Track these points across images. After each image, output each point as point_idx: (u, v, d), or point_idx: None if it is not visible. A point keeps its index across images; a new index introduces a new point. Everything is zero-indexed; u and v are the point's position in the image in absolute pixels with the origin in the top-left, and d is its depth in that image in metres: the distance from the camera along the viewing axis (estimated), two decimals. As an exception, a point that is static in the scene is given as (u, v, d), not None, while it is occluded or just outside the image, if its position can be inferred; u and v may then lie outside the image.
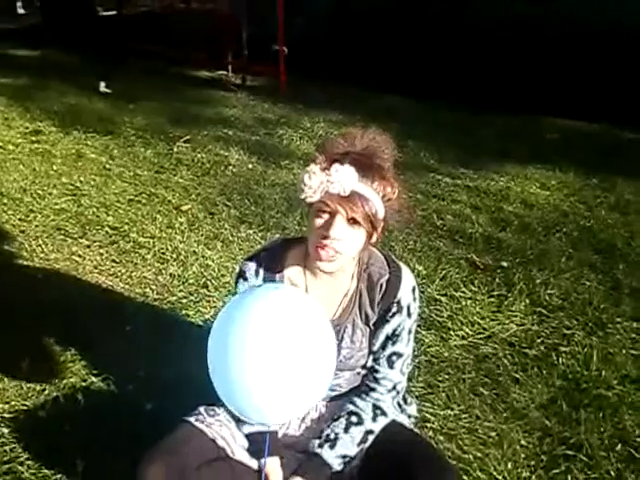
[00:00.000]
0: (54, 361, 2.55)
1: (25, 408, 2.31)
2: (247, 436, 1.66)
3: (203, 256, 3.37)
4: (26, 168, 4.59)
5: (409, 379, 1.98)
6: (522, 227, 3.75)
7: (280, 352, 1.37)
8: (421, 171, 4.57)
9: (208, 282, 3.12)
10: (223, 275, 3.18)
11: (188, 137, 5.21)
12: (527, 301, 2.98)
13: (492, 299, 3.00)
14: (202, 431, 1.62)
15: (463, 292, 3.04)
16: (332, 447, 1.62)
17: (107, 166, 4.65)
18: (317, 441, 1.64)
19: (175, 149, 4.98)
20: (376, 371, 1.69)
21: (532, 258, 3.38)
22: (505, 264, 3.31)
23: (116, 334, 2.71)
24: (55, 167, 4.61)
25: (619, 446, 2.16)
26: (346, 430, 1.64)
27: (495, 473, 2.06)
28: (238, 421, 1.66)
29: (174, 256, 3.38)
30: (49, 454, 2.10)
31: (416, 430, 1.82)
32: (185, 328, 2.77)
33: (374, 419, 1.67)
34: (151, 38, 7.99)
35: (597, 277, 3.20)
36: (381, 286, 1.63)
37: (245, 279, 1.67)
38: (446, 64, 6.42)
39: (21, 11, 11.91)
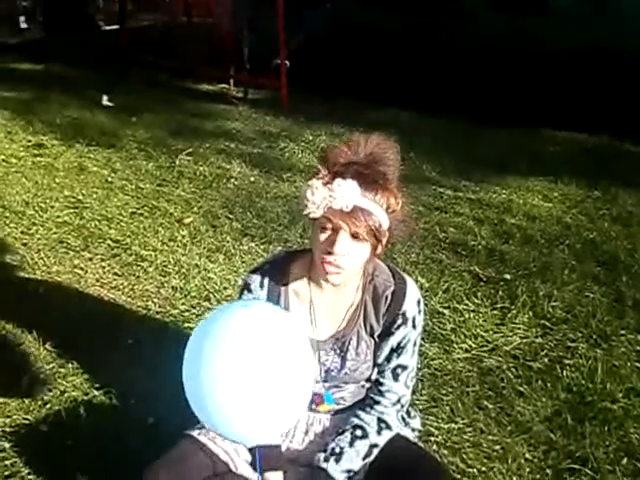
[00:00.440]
0: (56, 375, 2.53)
1: (26, 422, 2.30)
2: (250, 450, 1.65)
3: (205, 269, 3.37)
4: (28, 181, 4.59)
5: (413, 392, 1.97)
6: (525, 239, 3.74)
7: (252, 372, 1.33)
8: (423, 183, 4.57)
9: (210, 295, 3.11)
10: (225, 288, 3.18)
11: (190, 150, 5.22)
12: (530, 314, 2.97)
13: (495, 312, 2.99)
14: (205, 445, 1.61)
15: (466, 305, 3.03)
16: (337, 461, 1.61)
17: (109, 179, 4.65)
18: (322, 455, 1.63)
19: (177, 162, 4.99)
20: (381, 384, 1.68)
21: (535, 270, 3.38)
22: (508, 276, 3.30)
23: (118, 347, 2.70)
24: (57, 180, 4.61)
25: (625, 460, 2.14)
26: (351, 444, 1.63)
27: (500, 487, 2.05)
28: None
29: (176, 269, 3.38)
30: (50, 469, 2.09)
31: (420, 444, 1.81)
32: (187, 341, 2.75)
33: (379, 432, 1.65)
34: (153, 52, 8.02)
35: (600, 289, 3.19)
36: (386, 298, 1.62)
37: (250, 291, 1.66)
38: (447, 77, 6.43)
39: (24, 25, 11.97)
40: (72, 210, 4.11)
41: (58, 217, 4.00)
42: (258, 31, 6.92)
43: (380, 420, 1.67)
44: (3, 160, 5.00)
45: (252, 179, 4.69)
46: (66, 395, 2.42)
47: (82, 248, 3.62)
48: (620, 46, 5.68)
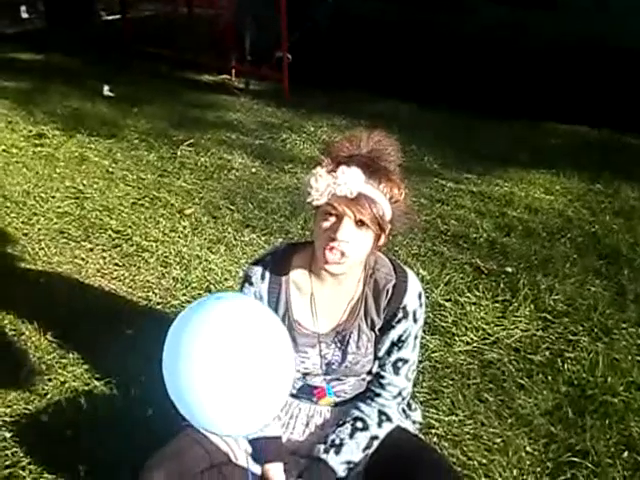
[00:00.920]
0: (56, 365, 2.54)
1: (27, 412, 2.30)
2: (250, 442, 1.65)
3: (206, 260, 3.36)
4: (29, 171, 4.58)
5: (414, 385, 1.96)
6: (526, 232, 3.74)
7: (228, 363, 1.31)
8: (425, 176, 4.56)
9: (211, 286, 3.11)
10: (226, 279, 3.17)
11: (191, 141, 5.20)
12: (532, 307, 2.97)
13: (497, 304, 2.98)
14: (205, 437, 1.61)
15: (467, 297, 3.02)
16: (337, 453, 1.61)
17: (110, 169, 4.64)
18: (322, 446, 1.63)
19: (178, 153, 4.98)
20: (381, 377, 1.68)
21: (536, 263, 3.37)
22: (509, 269, 3.29)
23: (119, 338, 2.70)
24: (58, 170, 4.60)
25: (625, 453, 2.15)
26: (351, 436, 1.63)
27: (500, 480, 2.05)
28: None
29: (177, 260, 3.37)
30: (51, 459, 2.09)
31: (421, 436, 1.81)
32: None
33: (379, 425, 1.65)
34: (155, 42, 8.00)
35: (602, 283, 3.19)
36: (387, 291, 1.62)
37: (251, 283, 1.66)
38: (449, 69, 6.41)
39: (25, 15, 11.93)
40: (73, 200, 4.10)
41: (59, 207, 4.00)
42: (261, 22, 6.89)
43: (381, 412, 1.67)
44: (4, 150, 4.98)
45: (253, 170, 4.68)
46: (66, 385, 2.42)
47: (83, 239, 3.61)
48: (622, 40, 5.66)
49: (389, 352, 1.65)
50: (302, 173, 4.45)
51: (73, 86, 6.81)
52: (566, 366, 2.57)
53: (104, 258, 3.41)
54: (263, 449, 1.63)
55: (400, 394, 1.68)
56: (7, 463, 2.08)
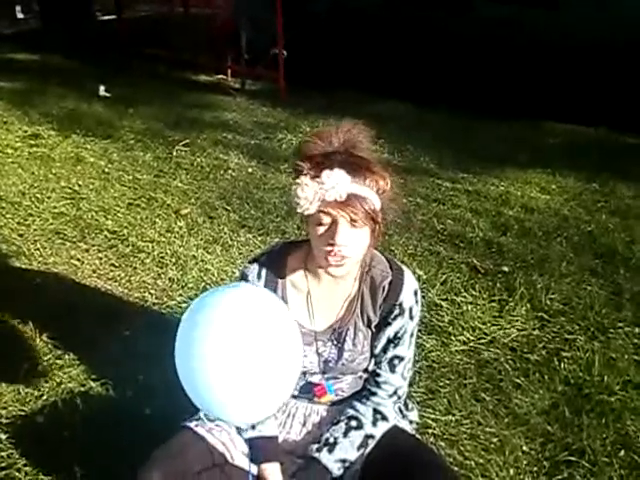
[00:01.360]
0: (52, 366, 2.53)
1: (23, 413, 2.29)
2: (247, 441, 1.65)
3: (202, 260, 3.36)
4: (25, 172, 4.57)
5: (410, 384, 1.96)
6: (522, 232, 3.74)
7: (241, 348, 1.33)
8: (421, 175, 4.56)
9: (207, 286, 3.10)
10: (223, 279, 3.17)
11: (187, 141, 5.20)
12: (528, 306, 2.97)
13: (493, 304, 2.98)
14: (202, 437, 1.61)
15: (464, 297, 3.02)
16: (331, 451, 1.60)
17: (106, 170, 4.63)
18: (316, 445, 1.63)
19: (174, 153, 4.97)
20: (377, 375, 1.68)
21: (533, 263, 3.37)
22: (506, 269, 3.30)
23: (115, 339, 2.69)
24: (54, 171, 4.59)
25: (622, 452, 2.15)
26: (345, 434, 1.63)
27: (497, 479, 2.04)
28: (238, 426, 1.65)
29: (173, 260, 3.37)
30: (47, 460, 2.08)
31: (418, 436, 1.81)
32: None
33: (374, 424, 1.65)
34: (150, 42, 7.99)
35: (598, 282, 3.19)
36: (383, 288, 1.62)
37: (247, 282, 1.66)
38: (446, 69, 6.41)
39: (20, 15, 11.90)
40: (69, 201, 4.09)
41: (55, 208, 3.99)
42: (258, 21, 6.88)
43: (376, 411, 1.66)
44: (-1, 151, 4.98)
45: (249, 170, 4.68)
46: (62, 386, 2.42)
47: (79, 239, 3.60)
48: (620, 39, 5.67)
49: (385, 349, 1.65)
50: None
51: (69, 86, 6.80)
52: (563, 365, 2.57)
53: (100, 259, 3.40)
54: (259, 449, 1.63)
55: (396, 393, 1.68)
56: (3, 465, 2.07)
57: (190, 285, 3.12)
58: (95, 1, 11.17)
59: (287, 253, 1.67)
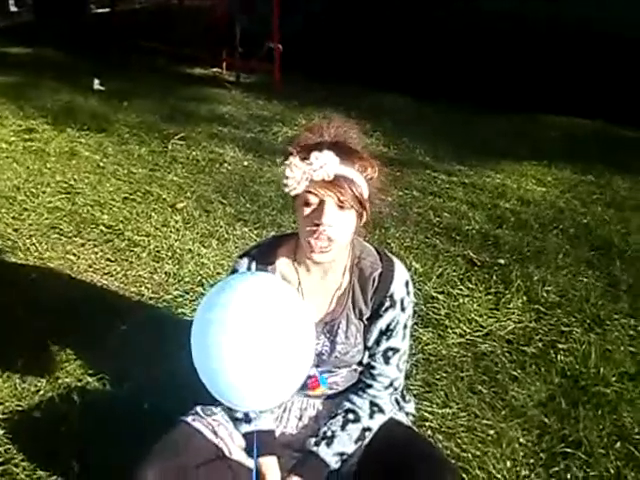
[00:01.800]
0: (49, 361, 2.52)
1: (20, 409, 2.29)
2: (245, 435, 1.65)
3: (198, 254, 3.35)
4: (19, 166, 4.55)
5: (407, 377, 1.97)
6: (519, 224, 3.74)
7: (258, 333, 1.34)
8: (417, 168, 4.56)
9: (204, 280, 3.10)
10: (219, 273, 3.17)
11: (183, 135, 5.19)
12: (524, 298, 2.97)
13: (489, 296, 2.99)
14: (200, 431, 1.61)
15: (460, 289, 3.03)
16: (329, 445, 1.61)
17: (101, 164, 4.62)
18: (313, 439, 1.63)
19: (170, 147, 4.96)
20: (372, 367, 1.68)
21: (529, 255, 3.38)
22: (502, 261, 3.30)
23: (111, 333, 2.68)
24: (49, 165, 4.58)
25: (618, 443, 2.15)
26: (343, 427, 1.63)
27: (494, 471, 2.05)
28: (235, 420, 1.65)
29: (169, 254, 3.36)
30: (44, 455, 2.08)
31: (414, 428, 1.81)
32: (181, 327, 2.73)
33: (371, 416, 1.65)
34: (145, 35, 7.96)
35: (594, 274, 3.20)
36: (373, 280, 1.62)
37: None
38: (444, 62, 6.41)
39: (13, 9, 11.84)
40: (64, 195, 4.08)
41: (50, 202, 3.97)
42: (254, 13, 6.86)
43: (372, 404, 1.67)
44: (-6, 145, 4.96)
45: (245, 163, 4.67)
46: (59, 382, 2.41)
47: (74, 234, 3.59)
48: (618, 32, 5.67)
49: (378, 341, 1.65)
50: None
51: (63, 80, 6.77)
52: (559, 357, 2.58)
53: (96, 253, 3.39)
54: (257, 443, 1.63)
55: (392, 384, 1.68)
56: (0, 460, 2.07)
57: (186, 279, 3.12)
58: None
59: (277, 246, 1.67)
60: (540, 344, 2.67)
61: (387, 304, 1.62)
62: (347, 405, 1.67)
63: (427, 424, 2.23)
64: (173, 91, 6.58)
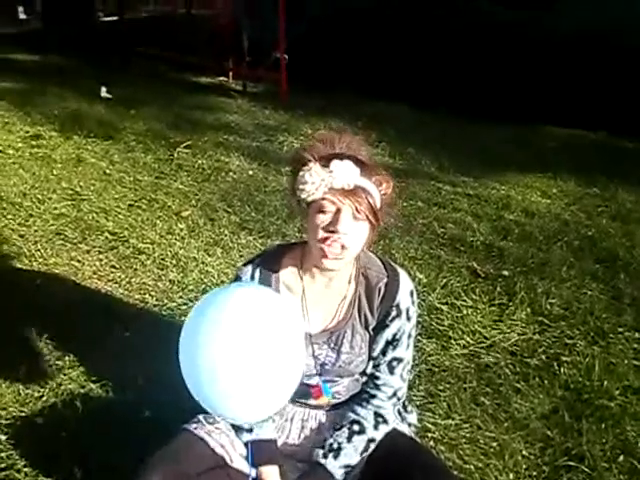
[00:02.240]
0: (52, 367, 2.53)
1: (23, 414, 2.29)
2: (246, 444, 1.65)
3: (203, 262, 3.36)
4: (26, 172, 4.58)
5: (410, 388, 1.96)
6: (523, 236, 3.74)
7: (246, 344, 1.34)
8: (422, 179, 4.56)
9: (208, 288, 3.10)
10: (223, 281, 3.17)
11: (188, 143, 5.21)
12: (528, 310, 2.97)
13: (493, 308, 2.98)
14: (202, 439, 1.61)
15: (464, 301, 3.02)
16: (336, 457, 1.60)
17: (107, 171, 4.64)
18: (321, 451, 1.62)
19: (175, 155, 4.98)
20: (376, 377, 1.68)
21: (533, 267, 3.37)
22: (506, 273, 3.30)
23: (115, 340, 2.69)
24: (55, 172, 4.60)
25: (621, 457, 2.14)
26: (349, 439, 1.63)
27: (496, 484, 2.04)
28: (237, 429, 1.65)
29: (174, 262, 3.37)
30: (47, 461, 2.07)
31: (417, 439, 1.81)
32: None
33: (376, 427, 1.65)
34: (152, 44, 8.00)
35: (598, 287, 3.19)
36: (379, 290, 1.62)
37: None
38: (448, 72, 6.43)
39: (22, 16, 11.93)
40: (69, 202, 4.10)
41: (55, 209, 3.99)
42: (259, 22, 6.89)
43: (377, 414, 1.66)
44: (0, 151, 4.98)
45: (250, 172, 4.68)
46: (62, 388, 2.41)
47: (79, 240, 3.60)
48: (620, 43, 5.68)
49: (384, 352, 1.65)
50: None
51: (70, 87, 6.81)
52: (562, 370, 2.57)
53: (100, 260, 3.40)
54: (259, 452, 1.63)
55: (395, 394, 1.68)
56: (2, 465, 2.06)
57: (190, 287, 3.12)
58: (97, 2, 11.19)
59: (282, 254, 1.67)
60: (544, 356, 2.66)
61: (393, 314, 1.62)
62: (352, 416, 1.67)
63: (429, 435, 2.22)
64: (180, 99, 6.61)
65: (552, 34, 6.05)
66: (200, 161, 4.86)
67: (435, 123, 5.88)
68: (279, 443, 1.69)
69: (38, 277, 3.22)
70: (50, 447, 2.13)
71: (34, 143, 5.20)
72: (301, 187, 1.47)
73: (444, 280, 3.19)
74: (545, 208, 4.16)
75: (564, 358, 2.65)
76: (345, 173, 1.44)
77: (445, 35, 6.63)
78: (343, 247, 1.48)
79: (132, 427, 2.18)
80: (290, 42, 6.65)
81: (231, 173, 4.65)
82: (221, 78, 7.52)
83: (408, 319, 1.63)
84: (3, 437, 2.18)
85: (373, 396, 1.68)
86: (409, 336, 1.66)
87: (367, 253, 1.66)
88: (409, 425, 1.78)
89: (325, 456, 1.61)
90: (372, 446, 1.64)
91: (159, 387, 2.37)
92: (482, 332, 2.80)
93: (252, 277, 1.65)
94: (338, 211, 1.46)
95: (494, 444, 2.20)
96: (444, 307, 2.97)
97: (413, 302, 1.64)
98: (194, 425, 1.64)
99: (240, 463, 1.63)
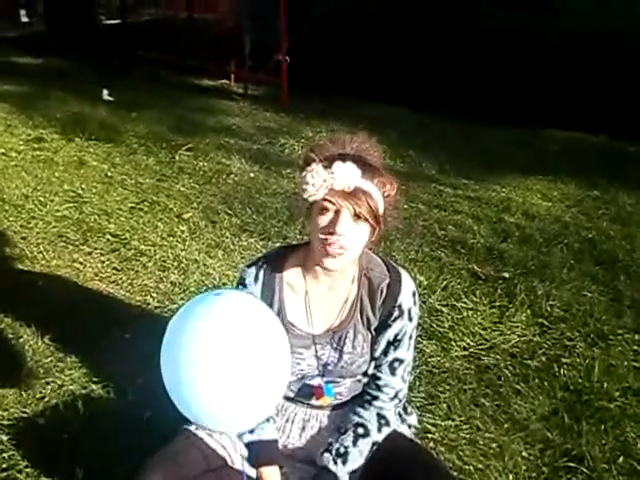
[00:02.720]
0: (54, 368, 2.54)
1: (24, 415, 2.30)
2: (247, 445, 1.65)
3: (204, 264, 3.37)
4: (28, 175, 4.59)
5: (410, 389, 1.97)
6: (523, 238, 3.75)
7: (227, 357, 1.35)
8: (423, 181, 4.57)
9: (209, 290, 3.10)
10: (224, 283, 3.18)
11: (190, 145, 5.22)
12: (528, 312, 2.97)
13: (493, 310, 2.99)
14: (203, 440, 1.61)
15: (464, 303, 3.03)
16: (344, 463, 1.60)
17: (109, 174, 4.65)
18: (330, 456, 1.61)
19: (177, 157, 4.99)
20: (378, 378, 1.68)
21: (533, 269, 3.38)
22: (506, 275, 3.30)
23: (116, 342, 2.70)
24: (57, 174, 4.61)
25: (621, 459, 2.15)
26: (355, 443, 1.63)
27: (496, 485, 2.05)
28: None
29: (175, 264, 3.38)
30: (48, 462, 2.08)
31: (417, 440, 1.81)
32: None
33: (379, 430, 1.66)
34: (154, 47, 8.02)
35: (598, 289, 3.20)
36: (382, 291, 1.63)
37: (244, 285, 1.67)
38: (448, 75, 6.44)
39: (25, 19, 11.96)
40: (71, 204, 4.11)
41: (57, 211, 4.00)
42: (261, 25, 6.90)
43: (380, 416, 1.67)
44: (3, 154, 4.99)
45: (252, 175, 4.69)
46: (64, 389, 2.42)
47: (81, 242, 3.61)
48: (620, 46, 5.69)
49: (386, 352, 1.66)
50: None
51: (72, 90, 6.83)
52: (562, 371, 2.58)
53: (102, 262, 3.41)
54: (258, 452, 1.63)
55: (397, 396, 1.69)
56: (4, 466, 2.07)
57: (192, 289, 3.13)
58: (99, 6, 11.22)
59: (285, 256, 1.68)
60: (544, 358, 2.67)
61: (395, 314, 1.63)
62: (356, 419, 1.67)
63: (429, 436, 2.23)
64: (181, 102, 6.62)
65: (552, 37, 6.06)
66: (201, 164, 4.87)
67: (436, 126, 5.89)
68: (280, 444, 1.70)
69: (40, 279, 3.23)
70: (51, 448, 2.14)
71: (36, 146, 5.21)
72: (303, 187, 1.48)
73: (444, 282, 3.20)
74: (545, 210, 4.17)
75: (564, 360, 2.65)
76: (346, 175, 1.45)
77: (445, 38, 6.64)
78: (342, 247, 1.49)
79: (133, 428, 2.19)
80: (291, 45, 6.66)
81: (232, 176, 4.66)
82: (222, 81, 7.53)
83: (410, 319, 1.64)
84: (5, 438, 2.19)
85: (375, 397, 1.69)
86: (410, 337, 1.66)
87: (369, 254, 1.67)
88: (409, 426, 1.78)
89: (335, 462, 1.60)
90: (374, 449, 1.65)
91: (160, 388, 2.37)
92: (482, 334, 2.81)
93: (256, 278, 1.66)
94: (338, 212, 1.47)
95: (494, 445, 2.21)
96: (444, 309, 2.98)
97: (415, 303, 1.65)
98: (195, 426, 1.64)
99: (241, 464, 1.63)
